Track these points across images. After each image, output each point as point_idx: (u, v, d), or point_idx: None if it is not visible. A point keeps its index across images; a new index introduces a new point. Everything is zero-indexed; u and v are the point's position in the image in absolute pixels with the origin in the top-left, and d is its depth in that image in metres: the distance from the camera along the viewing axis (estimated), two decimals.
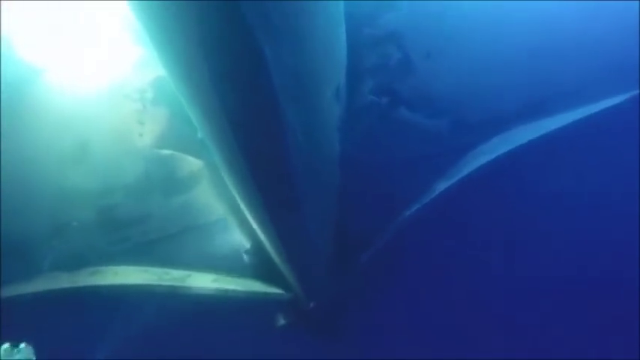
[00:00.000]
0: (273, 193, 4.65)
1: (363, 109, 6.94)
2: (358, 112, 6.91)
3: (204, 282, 6.50)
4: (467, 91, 6.91)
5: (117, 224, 6.94)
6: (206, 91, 3.74)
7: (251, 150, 4.20)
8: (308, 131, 4.63)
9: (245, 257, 6.65)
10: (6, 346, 5.06)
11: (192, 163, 7.21)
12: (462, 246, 6.29)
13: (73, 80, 7.27)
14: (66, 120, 7.06)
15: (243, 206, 5.79)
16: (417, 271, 6.56)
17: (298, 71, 4.06)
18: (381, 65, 7.17)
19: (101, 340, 6.25)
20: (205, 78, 3.60)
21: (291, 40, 3.78)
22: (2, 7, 6.86)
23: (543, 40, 6.68)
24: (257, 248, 6.53)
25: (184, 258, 6.76)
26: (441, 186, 6.54)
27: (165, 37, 3.74)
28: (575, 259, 6.14)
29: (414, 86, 7.05)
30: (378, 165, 6.83)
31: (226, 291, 6.35)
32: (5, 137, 6.66)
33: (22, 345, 5.13)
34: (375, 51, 7.21)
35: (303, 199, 4.87)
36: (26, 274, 6.63)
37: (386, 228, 6.51)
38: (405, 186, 6.68)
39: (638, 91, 6.58)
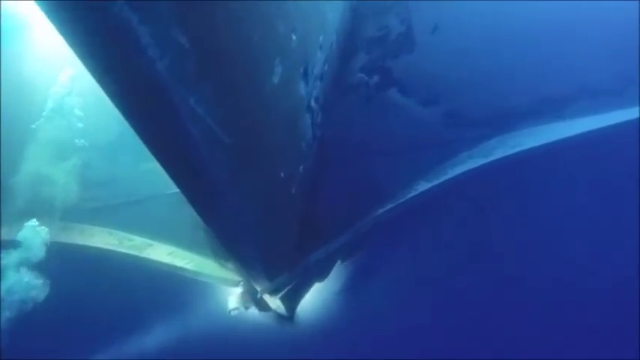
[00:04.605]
0: (187, 183, 4.22)
1: (349, 89, 6.14)
2: (343, 92, 6.14)
3: (160, 255, 6.34)
4: (471, 80, 5.85)
5: (88, 183, 6.89)
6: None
7: (150, 138, 3.75)
8: (231, 118, 4.04)
9: (204, 235, 6.36)
10: None
11: None
12: (433, 261, 5.50)
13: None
14: (46, 68, 6.95)
15: None
16: (382, 276, 5.91)
17: (205, 52, 3.41)
18: (379, 39, 6.25)
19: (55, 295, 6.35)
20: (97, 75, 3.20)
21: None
22: None
23: (569, 34, 5.36)
24: None
25: (148, 225, 6.63)
26: (422, 186, 5.71)
27: None
28: (567, 293, 5.15)
29: (411, 66, 6.09)
30: (358, 152, 6.12)
31: (177, 268, 6.15)
32: None
33: None
34: (374, 21, 6.27)
35: (229, 191, 4.37)
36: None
37: (354, 224, 5.88)
38: (383, 179, 5.94)
39: None
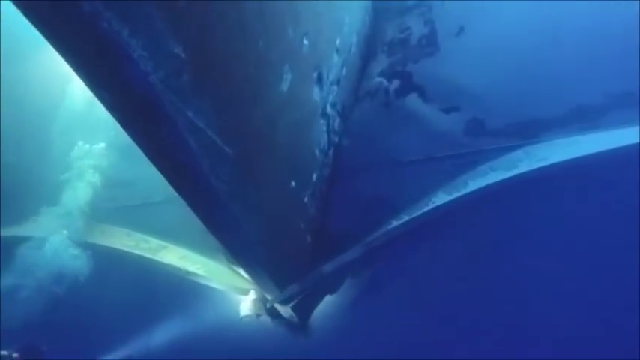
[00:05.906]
0: (188, 193, 4.11)
1: (368, 94, 5.89)
2: (361, 97, 5.89)
3: (172, 258, 6.33)
4: (497, 85, 5.46)
5: (108, 183, 6.99)
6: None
7: (146, 149, 3.65)
8: (234, 130, 3.90)
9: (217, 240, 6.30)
10: None
11: None
12: (447, 278, 5.21)
13: None
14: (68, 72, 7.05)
15: None
16: (396, 290, 5.68)
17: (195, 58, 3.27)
18: (400, 41, 5.95)
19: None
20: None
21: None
22: None
23: (604, 38, 4.85)
24: None
25: (163, 229, 6.64)
26: (440, 199, 5.40)
27: None
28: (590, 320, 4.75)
29: (434, 70, 5.76)
30: (374, 160, 5.88)
31: (188, 272, 6.11)
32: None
33: None
34: (396, 22, 5.97)
35: (232, 201, 4.23)
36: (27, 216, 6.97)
37: (366, 237, 5.66)
38: (398, 189, 5.68)
39: None
